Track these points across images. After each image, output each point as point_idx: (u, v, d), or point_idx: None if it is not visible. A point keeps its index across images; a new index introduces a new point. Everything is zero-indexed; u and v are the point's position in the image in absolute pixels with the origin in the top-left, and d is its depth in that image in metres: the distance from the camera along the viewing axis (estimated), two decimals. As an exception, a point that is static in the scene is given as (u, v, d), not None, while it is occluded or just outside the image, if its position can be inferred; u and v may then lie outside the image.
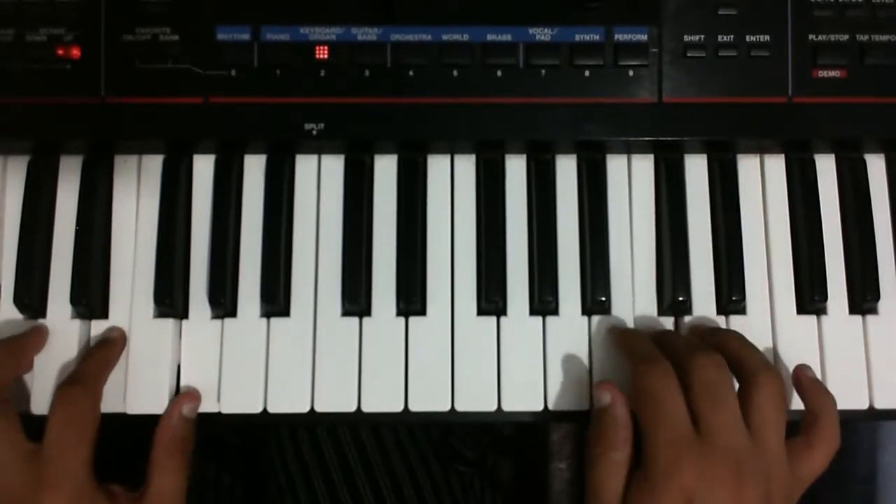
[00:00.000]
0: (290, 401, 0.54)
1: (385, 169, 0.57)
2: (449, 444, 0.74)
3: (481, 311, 0.55)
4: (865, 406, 0.54)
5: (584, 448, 0.51)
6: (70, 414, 0.49)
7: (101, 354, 0.53)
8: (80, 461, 0.48)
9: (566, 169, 0.57)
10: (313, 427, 0.69)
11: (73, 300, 0.55)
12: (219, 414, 0.54)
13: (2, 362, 0.51)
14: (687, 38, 0.55)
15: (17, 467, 0.47)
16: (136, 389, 0.54)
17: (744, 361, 0.49)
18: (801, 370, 0.53)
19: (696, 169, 0.57)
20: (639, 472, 0.47)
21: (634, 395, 0.49)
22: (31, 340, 0.53)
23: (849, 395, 0.54)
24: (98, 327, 0.55)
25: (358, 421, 0.54)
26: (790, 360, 0.54)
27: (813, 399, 0.51)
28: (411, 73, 0.55)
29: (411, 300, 0.54)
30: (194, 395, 0.53)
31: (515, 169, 0.57)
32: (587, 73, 0.55)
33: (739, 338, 0.52)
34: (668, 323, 0.55)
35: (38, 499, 0.46)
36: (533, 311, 0.55)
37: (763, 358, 0.50)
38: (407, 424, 0.71)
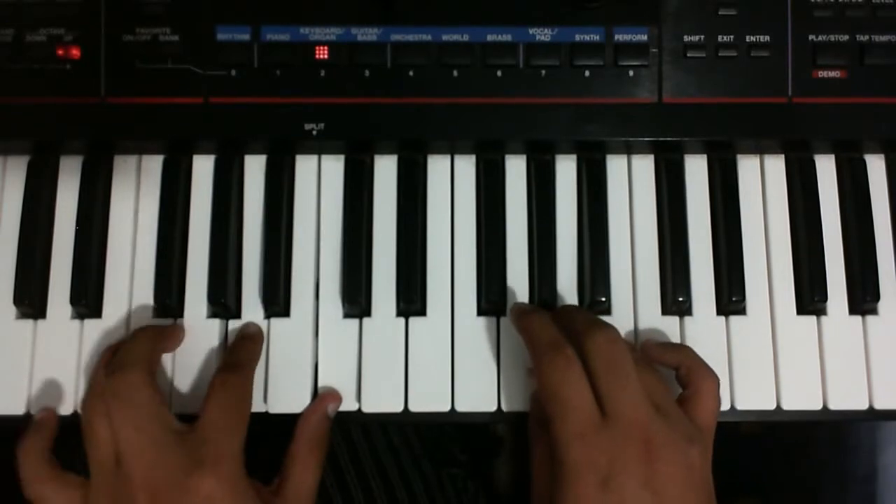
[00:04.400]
0: (290, 401, 0.54)
1: (385, 169, 0.57)
2: (442, 447, 0.74)
3: (481, 312, 0.55)
4: (865, 406, 0.54)
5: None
6: (228, 398, 0.49)
7: (251, 344, 0.54)
8: (237, 444, 0.48)
9: (566, 169, 0.57)
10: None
11: (73, 300, 0.55)
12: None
13: (153, 346, 0.52)
14: (687, 38, 0.56)
15: (172, 445, 0.47)
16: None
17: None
18: (645, 345, 0.53)
19: (696, 169, 0.57)
20: (555, 464, 0.47)
21: (539, 387, 0.48)
22: (177, 331, 0.54)
23: (849, 396, 0.54)
24: (97, 327, 0.55)
25: (358, 421, 0.54)
26: (790, 361, 0.54)
27: (671, 357, 0.51)
28: (411, 73, 0.55)
29: (411, 300, 0.54)
30: (338, 395, 0.54)
31: (515, 169, 0.57)
32: (587, 73, 0.55)
33: (578, 308, 0.53)
34: (669, 322, 0.55)
35: (194, 476, 0.46)
36: (533, 312, 0.55)
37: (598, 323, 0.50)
38: (407, 424, 0.71)
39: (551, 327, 0.50)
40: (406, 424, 0.71)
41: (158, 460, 0.46)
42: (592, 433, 0.45)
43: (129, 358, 0.49)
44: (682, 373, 0.51)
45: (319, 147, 0.57)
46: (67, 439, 0.52)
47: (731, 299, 0.55)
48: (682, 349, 0.52)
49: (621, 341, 0.48)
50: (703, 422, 0.49)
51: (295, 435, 0.52)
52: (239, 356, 0.53)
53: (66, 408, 0.54)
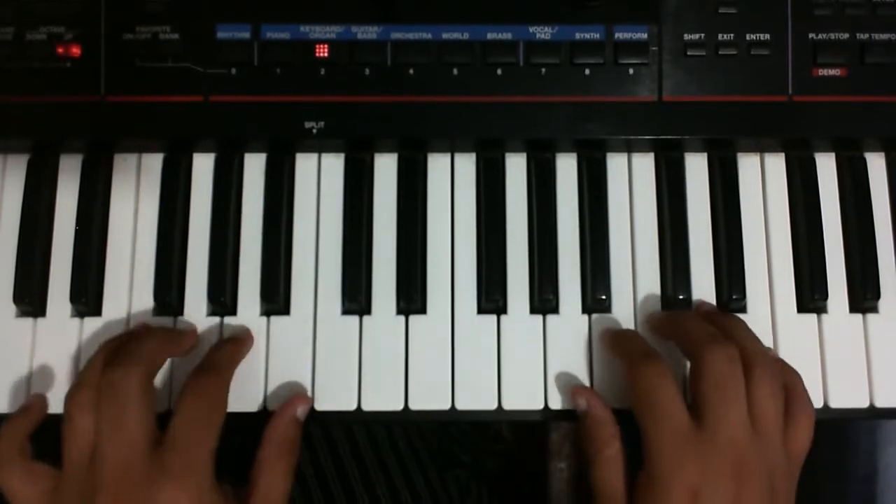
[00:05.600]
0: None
1: (385, 167, 0.57)
2: (445, 448, 0.74)
3: (482, 310, 0.55)
4: (866, 405, 0.54)
5: (581, 452, 0.52)
6: (200, 406, 0.47)
7: (232, 347, 0.52)
8: (206, 453, 0.47)
9: (566, 168, 0.57)
10: (308, 432, 0.69)
11: (73, 299, 0.55)
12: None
13: (161, 348, 0.50)
14: (687, 36, 0.56)
15: (146, 451, 0.45)
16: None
17: (745, 352, 0.49)
18: (771, 352, 0.53)
19: (697, 167, 0.57)
20: (643, 472, 0.48)
21: (632, 395, 0.49)
22: (187, 338, 0.53)
23: (849, 394, 0.54)
24: (96, 325, 0.55)
25: (358, 420, 0.54)
26: (791, 359, 0.54)
27: (787, 378, 0.51)
28: (411, 71, 0.55)
29: (411, 299, 0.54)
30: (307, 398, 0.53)
31: (515, 167, 0.57)
32: (587, 71, 0.55)
33: (743, 326, 0.52)
34: (668, 321, 0.55)
35: (160, 487, 0.44)
36: (533, 310, 0.55)
37: (763, 349, 0.50)
38: (407, 423, 0.71)
39: (642, 340, 0.51)
40: (406, 423, 0.71)
41: (129, 464, 0.45)
42: (685, 442, 0.46)
43: (133, 355, 0.48)
44: (786, 393, 0.50)
45: (319, 145, 0.57)
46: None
47: (731, 297, 0.55)
48: (795, 375, 0.52)
49: (738, 362, 0.48)
50: (793, 451, 0.49)
51: (263, 439, 0.50)
52: (216, 358, 0.51)
53: (66, 406, 0.54)
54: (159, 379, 0.53)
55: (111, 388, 0.46)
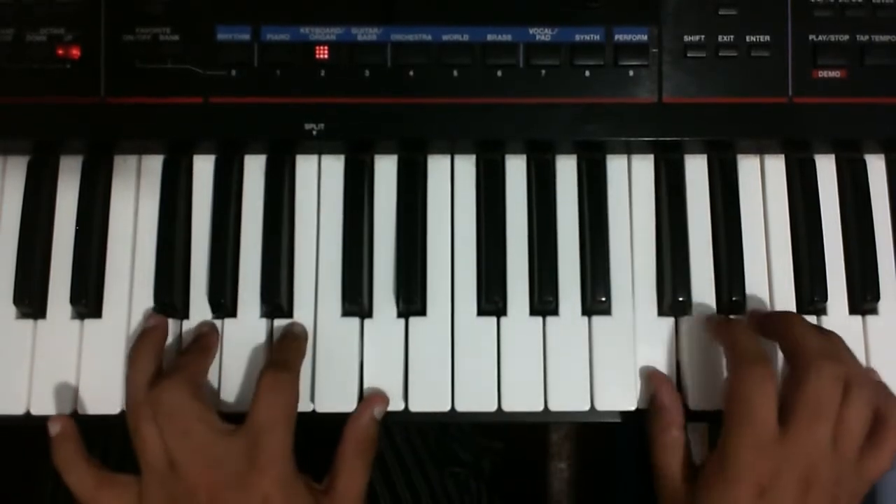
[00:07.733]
0: (291, 401, 0.54)
1: (385, 169, 0.57)
2: (445, 446, 0.74)
3: (481, 312, 0.55)
4: (865, 406, 0.54)
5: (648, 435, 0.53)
6: (278, 399, 0.49)
7: (296, 344, 0.53)
8: (287, 446, 0.49)
9: (566, 169, 0.57)
10: (307, 431, 0.69)
11: (73, 300, 0.55)
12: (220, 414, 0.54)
13: (199, 359, 0.53)
14: (687, 38, 0.56)
15: (222, 446, 0.48)
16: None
17: (848, 372, 0.49)
18: (872, 372, 0.53)
19: (697, 169, 0.57)
20: (714, 460, 0.48)
21: (728, 391, 0.49)
22: (215, 338, 0.54)
23: (849, 395, 0.54)
24: (97, 327, 0.55)
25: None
26: (790, 360, 0.54)
27: (884, 403, 0.51)
28: (411, 73, 0.55)
29: (411, 300, 0.54)
30: (384, 398, 0.53)
31: (515, 169, 0.57)
32: (587, 73, 0.55)
33: (843, 343, 0.51)
34: (667, 323, 0.55)
35: (251, 478, 0.47)
36: (533, 312, 0.55)
37: (864, 369, 0.51)
38: (407, 424, 0.71)
39: (755, 339, 0.51)
40: (406, 424, 0.71)
41: (212, 460, 0.48)
42: (766, 446, 0.47)
43: (173, 369, 0.51)
44: (877, 422, 0.50)
45: (319, 147, 0.57)
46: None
47: (731, 299, 0.55)
48: (893, 400, 0.52)
49: (841, 383, 0.48)
50: (869, 473, 0.49)
51: (342, 437, 0.52)
52: (288, 354, 0.53)
53: (66, 406, 0.54)
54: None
55: (160, 405, 0.49)
